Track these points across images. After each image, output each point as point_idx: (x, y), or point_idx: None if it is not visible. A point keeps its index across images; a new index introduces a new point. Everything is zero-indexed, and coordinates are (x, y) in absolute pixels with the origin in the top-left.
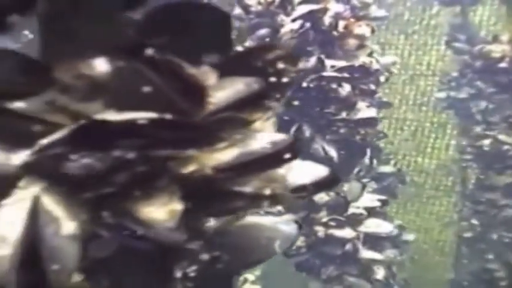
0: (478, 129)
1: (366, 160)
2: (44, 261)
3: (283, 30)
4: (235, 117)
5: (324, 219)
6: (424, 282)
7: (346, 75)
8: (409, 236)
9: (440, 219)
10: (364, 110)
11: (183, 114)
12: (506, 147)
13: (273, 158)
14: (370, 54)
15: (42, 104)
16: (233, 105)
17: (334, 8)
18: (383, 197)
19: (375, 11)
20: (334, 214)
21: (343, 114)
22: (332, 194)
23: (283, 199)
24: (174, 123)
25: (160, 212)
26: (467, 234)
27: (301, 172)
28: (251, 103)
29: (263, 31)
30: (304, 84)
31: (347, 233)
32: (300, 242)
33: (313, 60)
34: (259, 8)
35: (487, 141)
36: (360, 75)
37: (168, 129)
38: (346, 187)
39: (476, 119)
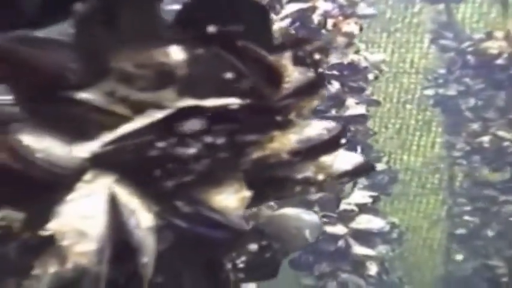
0: (475, 126)
1: None
2: (135, 254)
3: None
4: (297, 104)
5: None
6: (413, 280)
7: (335, 72)
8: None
9: (427, 217)
10: (354, 107)
11: (263, 98)
12: (506, 143)
13: (330, 144)
14: (357, 52)
15: (103, 94)
16: (295, 92)
17: (323, 6)
18: (374, 193)
19: (363, 9)
20: (326, 211)
21: (333, 112)
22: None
23: (328, 185)
24: (258, 107)
25: (232, 199)
26: (460, 231)
27: (343, 159)
28: (308, 91)
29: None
30: None
31: (339, 229)
32: None
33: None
34: None
35: (486, 138)
36: (349, 72)
37: (255, 114)
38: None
39: (466, 116)
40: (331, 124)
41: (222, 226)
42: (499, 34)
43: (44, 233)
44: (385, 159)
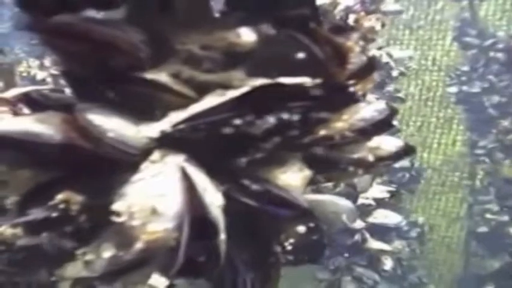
0: (505, 123)
1: None
2: (214, 232)
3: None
4: (357, 85)
5: None
6: (432, 278)
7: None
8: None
9: (447, 215)
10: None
11: (331, 77)
12: None
13: (382, 124)
14: (379, 48)
15: (169, 76)
16: (356, 74)
17: (345, 1)
18: (391, 188)
19: (388, 5)
20: None
21: None
22: (342, 184)
23: (375, 168)
24: (330, 86)
25: (296, 178)
26: (482, 229)
27: (387, 143)
28: (365, 73)
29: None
30: None
31: (356, 223)
32: None
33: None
34: None
35: None
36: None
37: (327, 92)
38: (356, 178)
39: (489, 113)
40: (381, 105)
41: (289, 204)
42: None
43: (108, 213)
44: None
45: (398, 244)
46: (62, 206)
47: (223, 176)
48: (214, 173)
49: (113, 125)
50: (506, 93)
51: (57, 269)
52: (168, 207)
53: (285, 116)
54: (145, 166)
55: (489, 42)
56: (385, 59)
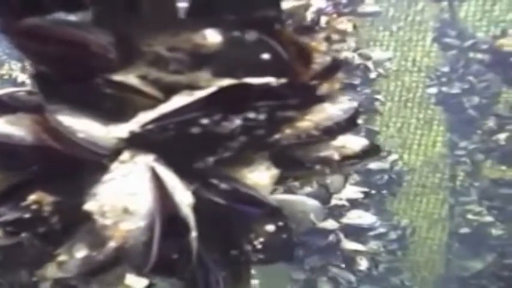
0: (490, 123)
1: None
2: (186, 229)
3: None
4: (322, 84)
5: None
6: (414, 280)
7: None
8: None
9: (428, 216)
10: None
11: (296, 77)
12: None
13: (348, 123)
14: (355, 50)
15: (136, 77)
16: (321, 74)
17: (317, 3)
18: (365, 189)
19: (366, 6)
20: None
21: None
22: (314, 185)
23: (341, 166)
24: (295, 86)
25: (264, 177)
26: (464, 231)
27: (353, 142)
28: (329, 73)
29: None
30: None
31: (330, 224)
32: None
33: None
34: None
35: (503, 136)
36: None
37: (292, 92)
38: (328, 179)
39: (470, 114)
40: (347, 105)
41: (258, 202)
42: None
43: (80, 214)
44: (391, 158)
45: (373, 244)
46: (34, 206)
47: (192, 175)
48: (183, 172)
49: (82, 126)
50: (487, 94)
51: (37, 270)
52: (140, 206)
53: (251, 115)
54: (115, 166)
55: (469, 43)
56: (358, 60)
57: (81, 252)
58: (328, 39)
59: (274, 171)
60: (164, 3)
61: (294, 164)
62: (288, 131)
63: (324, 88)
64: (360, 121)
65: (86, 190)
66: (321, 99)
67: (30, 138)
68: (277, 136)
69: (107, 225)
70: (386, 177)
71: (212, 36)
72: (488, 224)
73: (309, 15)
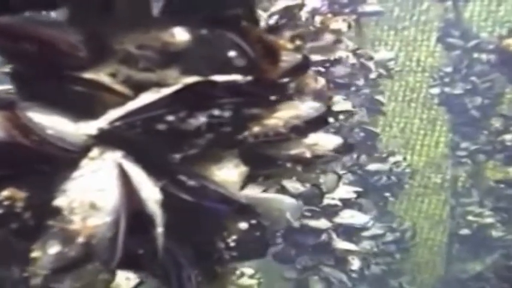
0: (497, 124)
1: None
2: (151, 225)
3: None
4: (291, 83)
5: None
6: (414, 282)
7: (321, 69)
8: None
9: (429, 217)
10: (340, 103)
11: (263, 75)
12: None
13: (318, 121)
14: (355, 50)
15: (107, 75)
16: (289, 72)
17: (311, 3)
18: (358, 189)
19: (368, 6)
20: (310, 205)
21: None
22: (307, 184)
23: (313, 165)
24: (261, 83)
25: (233, 174)
26: (464, 232)
27: (326, 140)
28: (297, 71)
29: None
30: None
31: (322, 223)
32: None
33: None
34: None
35: (509, 136)
36: (335, 69)
37: (258, 90)
38: (322, 179)
39: (472, 115)
40: (317, 104)
41: (226, 199)
42: None
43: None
44: (392, 159)
45: (367, 244)
46: (6, 202)
47: (160, 172)
48: (151, 168)
49: (52, 123)
50: (490, 95)
51: (28, 266)
52: (106, 202)
53: (216, 112)
54: (85, 163)
55: (473, 43)
56: (352, 60)
57: (53, 249)
58: (301, 37)
59: (243, 169)
60: (138, 2)
61: (265, 162)
62: (255, 128)
63: (294, 86)
64: (330, 119)
65: (57, 186)
66: (290, 97)
67: (1, 135)
68: (245, 133)
69: (75, 221)
70: (385, 178)
71: (180, 35)
72: (488, 225)
73: (304, 15)
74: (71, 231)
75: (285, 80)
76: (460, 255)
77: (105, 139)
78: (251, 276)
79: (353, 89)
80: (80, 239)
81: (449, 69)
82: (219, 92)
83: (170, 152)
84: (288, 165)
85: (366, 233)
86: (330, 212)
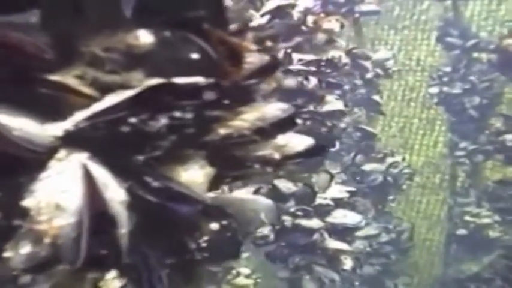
0: (498, 124)
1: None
2: (114, 226)
3: (251, 25)
4: (256, 85)
5: (292, 209)
6: (412, 282)
7: (313, 68)
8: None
9: (427, 217)
10: (333, 103)
11: (226, 77)
12: None
13: (285, 123)
14: (351, 50)
15: (74, 77)
16: (254, 74)
17: (304, 3)
18: (351, 188)
19: (364, 5)
20: (302, 204)
21: (311, 107)
22: (300, 184)
23: (284, 166)
24: (223, 85)
25: (198, 175)
26: (461, 232)
27: (296, 141)
28: (264, 73)
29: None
30: None
31: (314, 223)
32: (267, 231)
33: (280, 54)
34: (230, 2)
35: (509, 136)
36: (327, 69)
37: (220, 92)
38: (314, 178)
39: (470, 115)
40: (285, 105)
41: (190, 200)
42: None
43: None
44: (390, 160)
45: (360, 244)
46: None
47: (126, 173)
48: (117, 170)
49: (19, 124)
50: (488, 95)
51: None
52: (71, 203)
53: (178, 114)
54: (52, 164)
55: (472, 42)
56: (345, 59)
57: (25, 249)
58: (270, 38)
59: (209, 170)
60: (108, 5)
61: (232, 163)
62: (221, 130)
63: (261, 87)
64: (298, 121)
65: (26, 187)
66: (255, 98)
67: None
68: (209, 135)
69: (42, 221)
70: (380, 179)
71: (144, 37)
72: (485, 226)
73: (296, 15)
74: (38, 231)
75: (251, 81)
76: (457, 255)
77: (71, 140)
78: (247, 276)
79: (348, 88)
80: (47, 240)
81: (448, 69)
82: (179, 94)
83: (134, 153)
84: (257, 166)
85: (359, 233)
86: (322, 211)
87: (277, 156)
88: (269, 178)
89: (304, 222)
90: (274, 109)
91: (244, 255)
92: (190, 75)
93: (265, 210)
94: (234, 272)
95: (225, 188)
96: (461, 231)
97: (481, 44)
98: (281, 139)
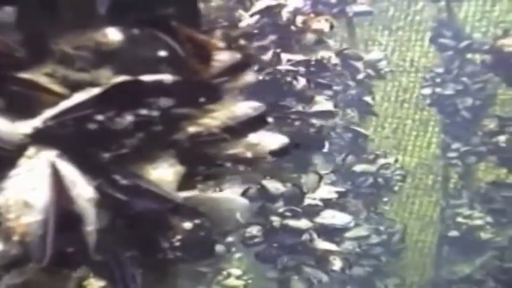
0: (491, 125)
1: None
2: (80, 223)
3: (241, 25)
4: (227, 83)
5: (280, 210)
6: (404, 283)
7: (302, 69)
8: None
9: (420, 218)
10: (322, 103)
11: (194, 74)
12: None
13: (256, 121)
14: (342, 50)
15: (44, 75)
16: (225, 72)
17: (293, 3)
18: (341, 189)
19: (356, 6)
20: (291, 205)
21: (299, 107)
22: (288, 185)
23: (257, 165)
24: (191, 83)
25: (168, 173)
26: (453, 234)
27: (269, 140)
28: (235, 71)
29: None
30: (260, 77)
31: (303, 223)
32: (256, 231)
33: (269, 54)
34: (219, 2)
35: (503, 138)
36: (316, 69)
37: (187, 89)
38: (303, 179)
39: (463, 116)
40: (256, 103)
41: (159, 198)
42: None
43: None
44: (383, 161)
45: (349, 245)
46: None
47: (95, 171)
48: (86, 168)
49: None
50: (481, 96)
51: None
52: (38, 200)
53: (144, 112)
54: (22, 161)
55: (465, 43)
56: (334, 60)
57: None
58: (244, 36)
59: (179, 168)
60: (83, 4)
61: (204, 161)
62: (190, 128)
63: (230, 85)
64: (269, 119)
65: None
66: (224, 96)
67: None
68: (178, 133)
69: (11, 219)
70: (371, 180)
71: (113, 34)
72: (477, 227)
73: (285, 15)
74: (8, 229)
75: (221, 79)
76: (449, 257)
77: (40, 138)
78: (238, 277)
79: (339, 88)
80: (15, 237)
81: (440, 70)
82: (145, 91)
83: (101, 150)
84: (228, 165)
85: (349, 234)
86: (311, 212)
87: (249, 154)
88: (257, 178)
89: (292, 222)
90: (246, 107)
91: (236, 255)
92: (159, 72)
93: (241, 210)
94: (224, 273)
95: (217, 188)
96: (453, 233)
97: (474, 45)
98: (253, 138)
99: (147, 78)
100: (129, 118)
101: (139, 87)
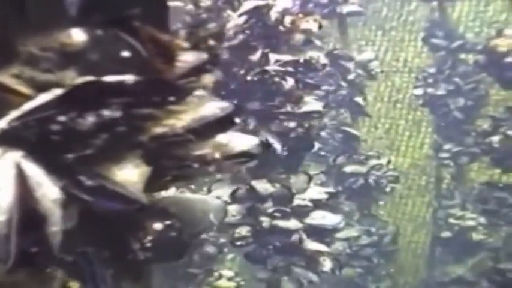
0: (485, 125)
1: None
2: (44, 223)
3: (229, 25)
4: (192, 83)
5: (269, 210)
6: (397, 285)
7: (290, 69)
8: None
9: (413, 219)
10: (311, 104)
11: (158, 74)
12: None
13: (224, 122)
14: (332, 50)
15: (11, 76)
16: (190, 72)
17: (282, 3)
18: (331, 190)
19: (347, 6)
20: (279, 205)
21: (288, 107)
22: (277, 185)
23: (226, 166)
24: (153, 83)
25: (133, 174)
26: (445, 235)
27: (238, 141)
28: (201, 71)
29: (211, 26)
30: (248, 78)
31: (292, 224)
32: (245, 232)
33: (257, 55)
34: (208, 3)
35: (496, 138)
36: (305, 69)
37: (150, 89)
38: (292, 179)
39: (455, 116)
40: (224, 103)
41: (124, 198)
42: (510, 31)
43: None
44: (374, 162)
45: (339, 246)
46: None
47: (60, 171)
48: (51, 168)
49: None
50: (473, 96)
51: None
52: (2, 201)
53: (106, 112)
54: None
55: (457, 43)
56: (323, 60)
57: None
58: (213, 37)
59: (145, 169)
60: (52, 6)
61: (171, 162)
62: (156, 129)
63: (196, 85)
64: (237, 120)
65: None
66: (189, 97)
67: None
68: (143, 134)
69: None
70: (361, 181)
71: (77, 35)
72: (469, 228)
73: (273, 15)
74: None
75: (186, 79)
76: (442, 258)
77: (6, 139)
78: (230, 279)
79: (329, 88)
80: None
81: (432, 70)
82: (107, 92)
83: (65, 152)
84: (196, 165)
85: (340, 235)
86: (301, 212)
87: (217, 155)
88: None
89: (282, 223)
90: (213, 108)
91: (229, 256)
92: (122, 73)
93: (214, 211)
94: (216, 274)
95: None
96: (446, 234)
97: (467, 45)
98: (222, 138)
99: (109, 78)
100: (91, 119)
101: (101, 87)
